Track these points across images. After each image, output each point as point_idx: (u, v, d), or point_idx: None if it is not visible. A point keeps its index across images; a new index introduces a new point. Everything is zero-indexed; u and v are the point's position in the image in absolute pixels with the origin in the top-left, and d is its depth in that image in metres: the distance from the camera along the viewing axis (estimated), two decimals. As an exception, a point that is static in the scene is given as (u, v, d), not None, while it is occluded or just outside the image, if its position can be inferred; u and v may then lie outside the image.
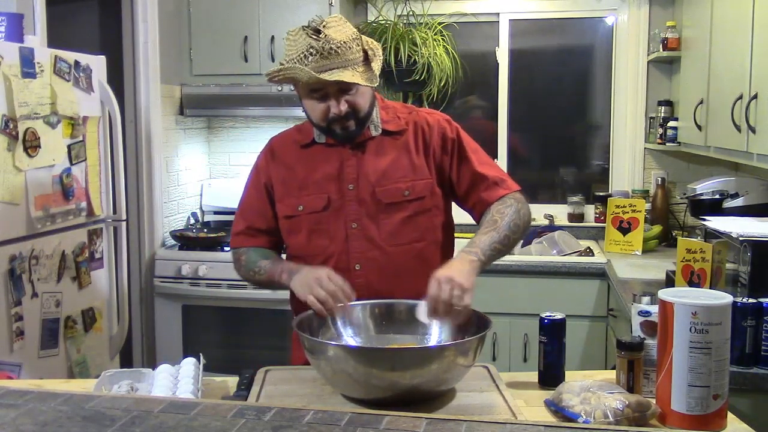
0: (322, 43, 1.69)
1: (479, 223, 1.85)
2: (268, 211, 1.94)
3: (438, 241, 1.90)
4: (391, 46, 3.69)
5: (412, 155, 1.87)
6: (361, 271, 1.84)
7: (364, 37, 1.81)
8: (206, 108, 3.82)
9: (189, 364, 1.68)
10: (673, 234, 3.55)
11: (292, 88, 1.87)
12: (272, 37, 3.64)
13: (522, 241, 3.66)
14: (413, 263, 1.84)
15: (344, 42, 1.71)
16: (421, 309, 1.62)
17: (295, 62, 1.71)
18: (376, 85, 1.79)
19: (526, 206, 1.87)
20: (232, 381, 1.69)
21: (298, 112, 3.73)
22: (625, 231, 3.50)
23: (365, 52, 1.78)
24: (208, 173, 4.19)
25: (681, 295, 1.38)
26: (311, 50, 1.69)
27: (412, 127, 1.90)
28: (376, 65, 1.78)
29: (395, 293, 1.79)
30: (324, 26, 1.71)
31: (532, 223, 3.84)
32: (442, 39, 3.81)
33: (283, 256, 1.98)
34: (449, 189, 1.91)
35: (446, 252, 1.95)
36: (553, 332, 1.63)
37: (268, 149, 1.99)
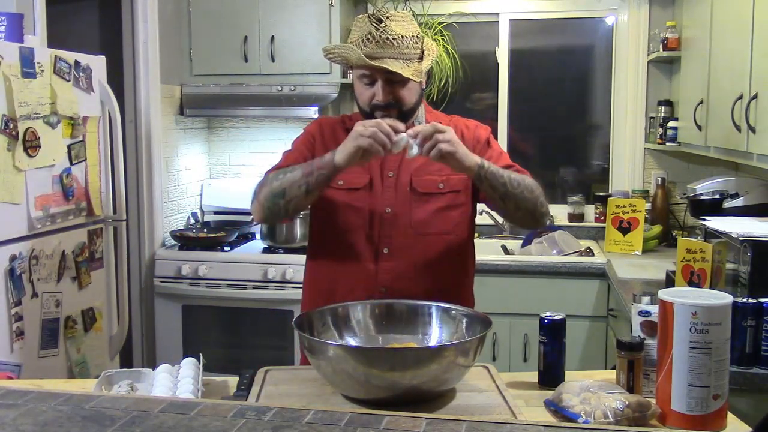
0: (380, 32, 1.77)
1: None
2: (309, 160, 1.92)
3: (465, 237, 1.97)
4: (391, 46, 3.69)
5: None
6: (389, 255, 1.89)
7: (426, 38, 1.88)
8: (206, 108, 3.82)
9: (189, 364, 1.68)
10: (673, 234, 3.55)
11: (348, 69, 1.93)
12: (272, 37, 3.64)
13: (524, 241, 3.68)
14: (439, 254, 1.91)
15: (402, 36, 1.78)
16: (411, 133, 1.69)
17: (354, 46, 1.79)
18: (420, 81, 1.85)
19: (539, 189, 1.89)
20: (232, 381, 1.69)
21: (298, 112, 3.75)
22: (625, 231, 3.50)
23: (422, 51, 1.84)
24: (208, 173, 4.19)
25: (681, 295, 1.38)
26: (369, 37, 1.77)
27: (455, 128, 1.92)
28: (426, 64, 1.84)
29: (418, 282, 1.86)
30: (387, 17, 1.79)
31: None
32: (442, 39, 3.81)
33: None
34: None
35: (470, 249, 2.02)
36: (553, 332, 1.63)
37: (317, 123, 2.03)
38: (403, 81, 1.82)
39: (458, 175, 1.90)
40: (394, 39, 1.77)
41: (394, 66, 1.77)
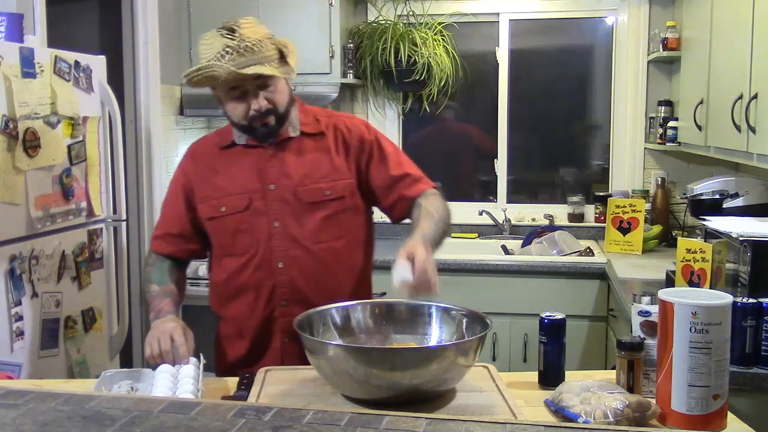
0: (237, 42, 1.75)
1: (411, 217, 1.92)
2: (184, 215, 1.97)
3: (359, 240, 1.96)
4: (391, 46, 3.70)
5: (332, 156, 1.92)
6: (284, 268, 1.88)
7: (276, 37, 1.86)
8: (206, 108, 3.81)
9: (189, 364, 1.68)
10: (673, 234, 3.55)
11: (212, 90, 1.90)
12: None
13: (524, 241, 3.68)
14: (335, 261, 1.90)
15: (259, 40, 1.77)
16: (401, 274, 1.63)
17: (218, 58, 1.76)
18: (293, 77, 1.86)
19: (446, 202, 1.95)
20: (232, 381, 1.69)
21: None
22: (625, 231, 3.50)
23: (279, 51, 1.83)
24: (208, 173, 4.18)
25: (681, 295, 1.38)
26: (227, 49, 1.75)
27: (331, 129, 1.95)
28: (292, 60, 1.84)
29: (318, 290, 1.86)
30: (238, 26, 1.77)
31: (533, 222, 3.90)
32: (442, 39, 3.82)
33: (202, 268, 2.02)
34: (368, 189, 1.96)
35: (367, 251, 2.01)
36: (553, 332, 1.63)
37: (188, 153, 2.04)
38: (273, 85, 1.82)
39: (344, 180, 1.90)
40: (253, 45, 1.76)
41: (265, 70, 1.76)
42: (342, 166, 1.92)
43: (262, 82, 1.81)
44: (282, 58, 1.83)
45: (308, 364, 1.66)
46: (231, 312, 1.97)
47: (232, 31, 1.76)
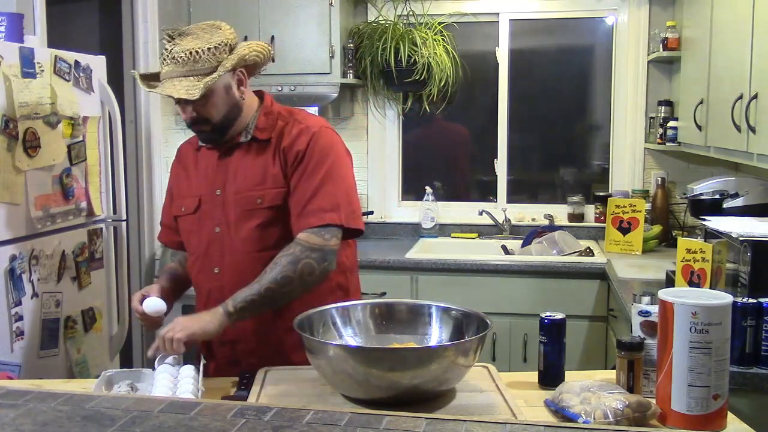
0: (170, 51, 1.75)
1: None
2: (170, 208, 2.04)
3: None
4: (391, 46, 3.70)
5: (268, 163, 1.85)
6: (220, 274, 1.88)
7: (227, 43, 1.80)
8: (206, 108, 3.81)
9: (189, 365, 1.68)
10: (673, 234, 3.55)
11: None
12: (272, 37, 3.64)
13: (524, 241, 3.68)
14: None
15: (196, 51, 1.74)
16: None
17: (161, 63, 1.79)
18: (196, 97, 1.73)
19: (318, 254, 1.76)
20: (232, 381, 1.69)
21: (298, 112, 3.75)
22: (625, 231, 3.50)
23: (218, 61, 1.76)
24: (208, 173, 4.18)
25: (681, 295, 1.38)
26: (164, 54, 1.77)
27: (277, 135, 1.87)
28: (229, 64, 1.76)
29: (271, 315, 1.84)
30: (181, 33, 1.77)
31: (533, 222, 3.90)
32: (442, 39, 3.81)
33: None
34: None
35: None
36: (553, 332, 1.63)
37: (177, 153, 2.08)
38: (202, 100, 1.76)
39: (276, 189, 1.82)
40: (186, 56, 1.73)
41: (174, 89, 1.73)
42: (277, 174, 1.83)
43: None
44: (214, 71, 1.76)
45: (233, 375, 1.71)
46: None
47: (171, 38, 1.76)
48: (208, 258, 1.88)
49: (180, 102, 1.81)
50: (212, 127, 1.84)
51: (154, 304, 1.82)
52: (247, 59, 1.82)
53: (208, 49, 1.75)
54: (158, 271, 2.00)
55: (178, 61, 1.74)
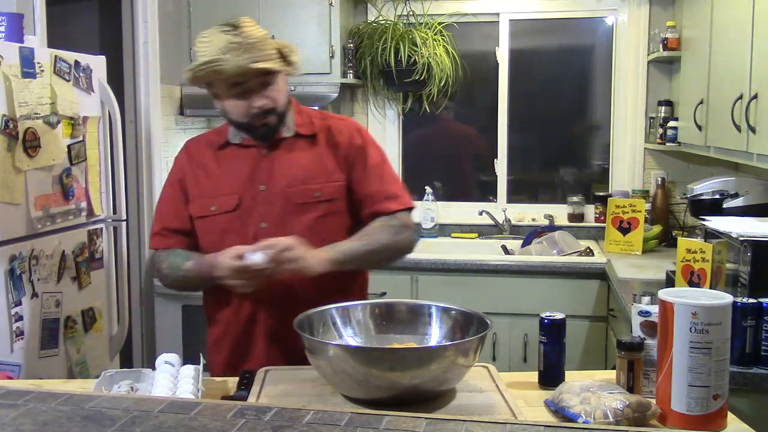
0: (241, 38, 1.74)
1: None
2: (183, 210, 1.95)
3: None
4: (391, 46, 3.70)
5: (323, 158, 1.90)
6: None
7: (276, 39, 1.87)
8: (206, 108, 3.80)
9: (189, 365, 1.68)
10: (673, 234, 3.55)
11: (208, 89, 1.88)
12: (272, 37, 3.63)
13: (524, 241, 3.68)
14: None
15: (260, 39, 1.78)
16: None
17: (218, 53, 1.75)
18: (295, 74, 1.87)
19: (408, 231, 1.89)
20: (232, 381, 1.69)
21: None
22: (625, 231, 3.50)
23: (279, 51, 1.82)
24: (208, 173, 4.18)
25: (681, 295, 1.38)
26: (231, 45, 1.74)
27: (324, 131, 1.93)
28: (295, 57, 1.84)
29: (300, 293, 1.82)
30: (240, 24, 1.78)
31: (533, 222, 3.90)
32: (442, 39, 3.82)
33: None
34: (351, 195, 1.93)
35: None
36: (553, 332, 1.63)
37: (184, 150, 2.03)
38: (275, 83, 1.82)
39: (334, 183, 1.88)
40: (256, 41, 1.76)
41: (272, 65, 1.77)
42: (333, 168, 1.89)
43: (265, 79, 1.80)
44: (281, 58, 1.82)
45: (294, 364, 1.68)
46: (218, 314, 1.94)
47: (234, 27, 1.76)
48: None
49: (248, 93, 1.80)
50: (278, 117, 1.85)
51: (258, 257, 1.69)
52: (294, 62, 1.86)
53: (267, 37, 1.81)
54: (192, 265, 1.87)
55: (254, 47, 1.75)
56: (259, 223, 1.86)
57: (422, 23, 3.84)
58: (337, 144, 1.91)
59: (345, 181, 1.90)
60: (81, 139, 2.63)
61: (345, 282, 1.91)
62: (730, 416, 1.41)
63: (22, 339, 2.35)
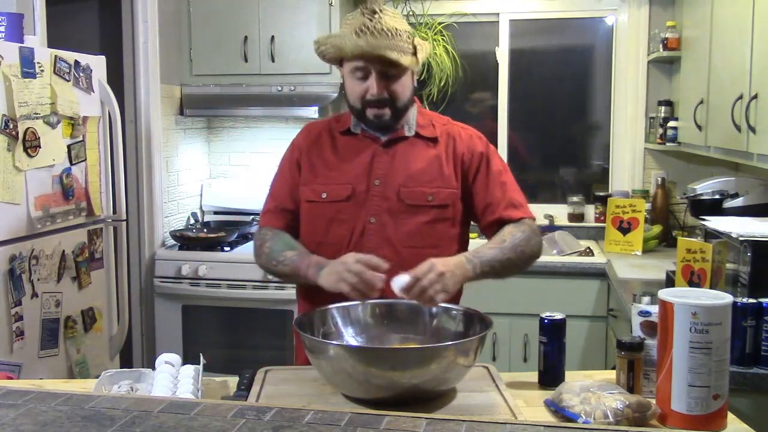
0: (374, 23, 1.75)
1: (489, 239, 1.87)
2: (297, 191, 1.92)
3: (452, 253, 1.84)
4: (391, 46, 3.69)
5: (441, 163, 1.88)
6: None
7: (416, 37, 1.87)
8: (206, 108, 3.82)
9: (189, 365, 1.68)
10: (673, 234, 3.55)
11: (338, 66, 1.89)
12: (272, 37, 3.64)
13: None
14: None
15: (396, 29, 1.77)
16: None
17: (355, 34, 1.76)
18: (414, 75, 1.86)
19: (538, 237, 1.88)
20: (232, 381, 1.69)
21: (298, 112, 3.75)
22: (625, 231, 3.50)
23: (415, 47, 1.82)
24: (208, 173, 4.19)
25: (681, 295, 1.38)
26: (363, 28, 1.75)
27: (445, 136, 1.92)
28: (422, 55, 1.84)
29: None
30: (380, 10, 1.78)
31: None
32: (442, 39, 3.82)
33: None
34: (470, 203, 1.91)
35: None
36: (553, 332, 1.63)
37: (305, 131, 1.99)
38: (397, 76, 1.80)
39: (448, 189, 1.86)
40: (389, 30, 1.75)
41: (391, 54, 1.75)
42: (449, 174, 1.87)
43: (387, 69, 1.78)
44: (414, 54, 1.81)
45: None
46: (317, 301, 1.84)
47: (373, 12, 1.77)
48: (359, 248, 1.79)
49: (369, 78, 1.80)
50: (393, 111, 1.83)
51: (403, 280, 1.62)
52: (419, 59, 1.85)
53: (405, 30, 1.80)
54: (296, 258, 1.80)
55: (386, 35, 1.75)
56: (368, 218, 1.84)
57: (422, 23, 3.84)
58: (458, 151, 1.89)
59: (459, 190, 1.88)
60: (81, 139, 2.63)
61: None
62: (730, 416, 1.41)
63: (22, 339, 2.35)
